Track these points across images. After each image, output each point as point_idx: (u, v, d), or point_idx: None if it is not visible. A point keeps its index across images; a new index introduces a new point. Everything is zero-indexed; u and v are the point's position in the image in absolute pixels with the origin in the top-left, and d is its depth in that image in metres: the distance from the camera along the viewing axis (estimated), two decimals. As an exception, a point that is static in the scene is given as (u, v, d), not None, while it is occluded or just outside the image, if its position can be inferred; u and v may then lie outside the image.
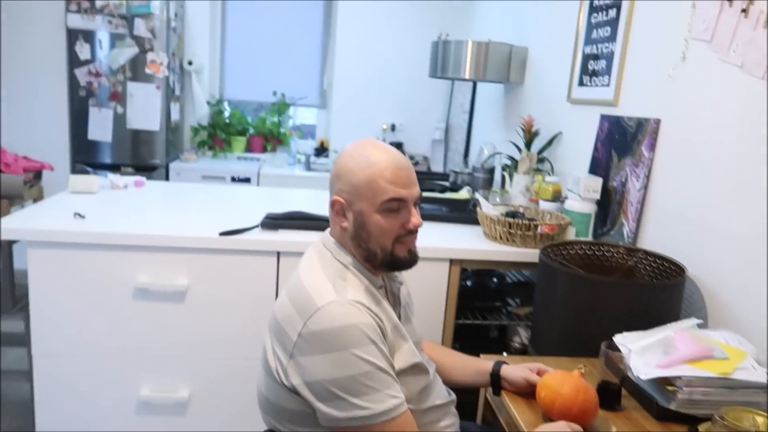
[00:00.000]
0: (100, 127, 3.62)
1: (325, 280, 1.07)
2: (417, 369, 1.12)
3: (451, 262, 1.93)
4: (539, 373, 1.27)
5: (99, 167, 3.62)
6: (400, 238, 1.13)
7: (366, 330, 1.00)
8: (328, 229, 1.19)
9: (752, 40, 1.56)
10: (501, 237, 1.99)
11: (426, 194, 2.58)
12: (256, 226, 1.88)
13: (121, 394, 1.85)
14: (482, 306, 2.17)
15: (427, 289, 1.94)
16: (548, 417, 1.19)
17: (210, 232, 1.80)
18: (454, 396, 1.28)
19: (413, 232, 1.16)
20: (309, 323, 1.00)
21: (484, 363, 1.35)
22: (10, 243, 2.14)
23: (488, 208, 2.04)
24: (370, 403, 0.98)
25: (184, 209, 2.14)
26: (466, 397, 1.51)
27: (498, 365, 1.32)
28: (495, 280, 2.51)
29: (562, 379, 1.18)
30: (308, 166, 4.00)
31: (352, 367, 0.98)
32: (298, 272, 1.13)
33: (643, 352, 1.36)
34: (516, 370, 1.30)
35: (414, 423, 1.04)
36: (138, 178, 2.44)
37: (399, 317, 1.19)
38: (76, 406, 1.84)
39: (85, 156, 3.66)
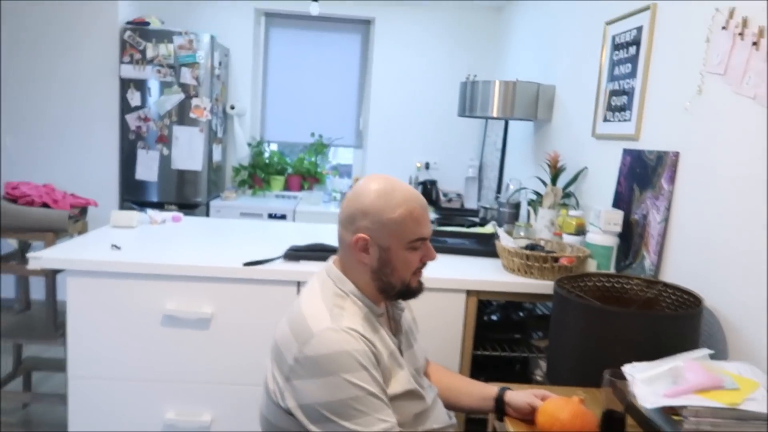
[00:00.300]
0: (147, 167, 3.84)
1: (322, 307, 1.12)
2: (412, 395, 1.16)
3: (468, 293, 1.95)
4: (543, 399, 1.28)
5: (145, 205, 3.82)
6: (417, 271, 1.20)
7: (358, 356, 1.04)
8: (332, 258, 1.25)
9: (763, 71, 1.57)
10: (519, 269, 2.00)
11: (452, 229, 2.62)
12: (279, 257, 1.96)
13: (148, 417, 1.93)
14: (502, 338, 2.17)
15: (444, 319, 1.96)
16: (548, 443, 1.19)
17: (235, 263, 1.89)
18: (454, 420, 1.29)
19: (426, 265, 1.22)
20: (304, 348, 1.06)
21: (489, 388, 1.37)
22: (54, 273, 2.29)
23: (507, 241, 2.07)
24: (359, 426, 1.02)
25: (215, 242, 2.24)
26: (476, 426, 1.51)
27: (502, 391, 1.34)
28: (521, 314, 2.50)
29: (562, 405, 1.19)
30: (343, 204, 4.10)
31: (343, 391, 1.02)
32: (300, 299, 1.19)
33: (651, 382, 1.34)
34: (520, 395, 1.31)
35: None
36: (176, 213, 2.57)
37: (400, 343, 1.23)
38: (107, 427, 1.93)
39: (133, 194, 3.88)
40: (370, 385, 1.04)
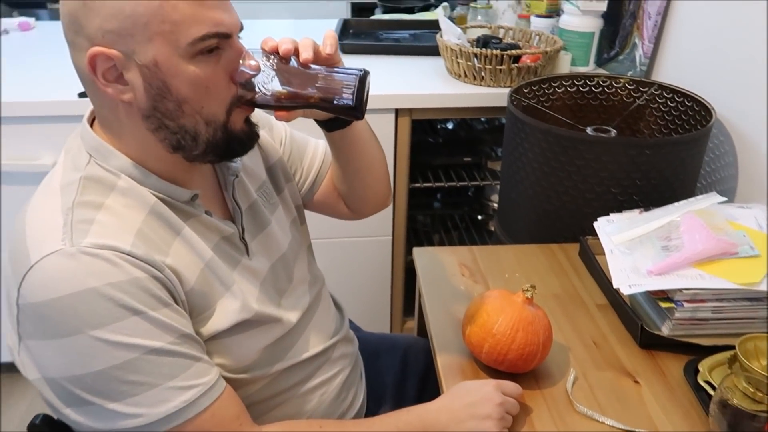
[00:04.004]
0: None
1: (56, 212, 0.63)
2: (252, 325, 0.72)
3: (397, 112, 1.46)
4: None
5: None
6: (234, 103, 0.66)
7: (116, 295, 0.59)
8: (87, 114, 0.70)
9: None
10: (465, 74, 1.49)
11: (389, 17, 2.03)
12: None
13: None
14: (449, 163, 1.73)
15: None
16: (477, 359, 0.83)
17: (72, 95, 1.37)
18: (344, 328, 0.90)
19: (252, 88, 0.67)
20: (23, 290, 0.60)
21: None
22: None
23: (449, 34, 1.52)
24: (139, 407, 0.60)
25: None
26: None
27: None
28: (483, 121, 2.03)
29: (498, 309, 0.79)
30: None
31: (99, 357, 0.59)
32: (32, 198, 0.69)
33: (633, 248, 0.94)
34: None
35: (238, 411, 0.68)
36: (23, 19, 1.94)
37: (242, 233, 0.77)
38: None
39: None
40: (150, 338, 0.60)
